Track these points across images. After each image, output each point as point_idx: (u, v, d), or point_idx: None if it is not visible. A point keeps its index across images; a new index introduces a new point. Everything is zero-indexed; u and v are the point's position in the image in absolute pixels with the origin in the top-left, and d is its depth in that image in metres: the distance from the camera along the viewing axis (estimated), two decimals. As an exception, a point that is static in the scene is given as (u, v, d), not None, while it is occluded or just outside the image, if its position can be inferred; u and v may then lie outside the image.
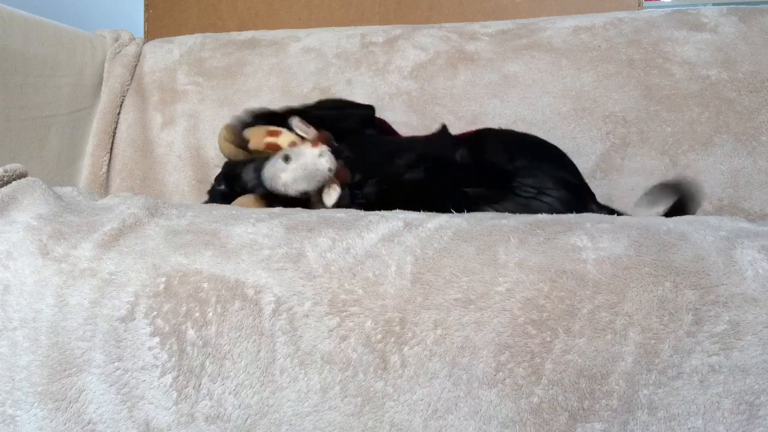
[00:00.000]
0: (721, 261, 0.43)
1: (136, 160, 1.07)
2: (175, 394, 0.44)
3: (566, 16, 1.05)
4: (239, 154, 0.79)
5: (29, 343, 0.46)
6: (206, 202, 0.85)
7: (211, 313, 0.45)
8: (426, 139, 0.83)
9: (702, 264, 0.42)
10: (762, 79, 0.91)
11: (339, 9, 1.41)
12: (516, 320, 0.42)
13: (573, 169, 0.79)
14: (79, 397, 0.45)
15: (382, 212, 0.53)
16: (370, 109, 0.83)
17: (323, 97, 1.04)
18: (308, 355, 0.43)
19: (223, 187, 0.79)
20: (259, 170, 0.72)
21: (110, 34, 1.14)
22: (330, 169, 0.67)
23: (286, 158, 0.67)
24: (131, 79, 1.11)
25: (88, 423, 0.45)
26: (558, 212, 0.56)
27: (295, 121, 0.73)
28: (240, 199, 0.76)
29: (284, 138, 0.74)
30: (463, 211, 0.55)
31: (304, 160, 0.67)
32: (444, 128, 0.84)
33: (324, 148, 0.69)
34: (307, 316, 0.44)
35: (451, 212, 0.54)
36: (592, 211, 0.71)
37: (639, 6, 1.29)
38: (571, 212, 0.55)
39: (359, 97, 1.03)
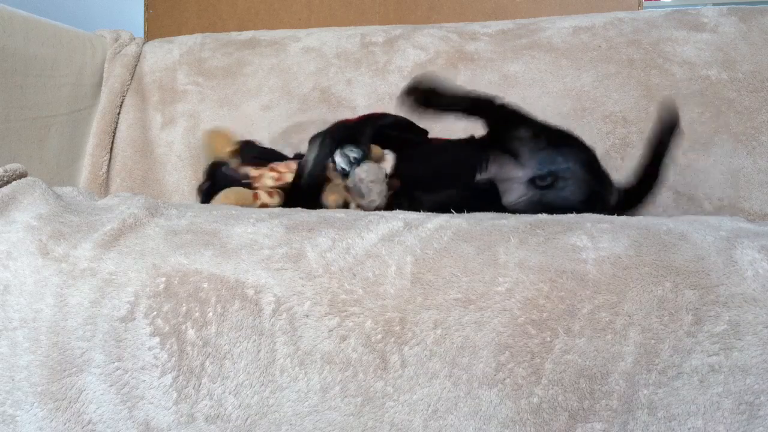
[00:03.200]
0: (721, 261, 0.43)
1: (136, 160, 1.07)
2: (175, 394, 0.44)
3: (566, 16, 1.05)
4: (225, 155, 0.86)
5: (29, 343, 0.46)
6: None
7: (211, 313, 0.45)
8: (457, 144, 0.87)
9: (702, 264, 0.42)
10: (762, 79, 0.91)
11: (339, 9, 1.41)
12: (516, 320, 0.42)
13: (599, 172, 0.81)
14: (79, 397, 0.45)
15: (382, 212, 0.53)
16: (425, 132, 0.89)
17: (323, 97, 1.04)
18: (308, 355, 0.43)
19: (208, 185, 0.85)
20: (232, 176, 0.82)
21: (110, 34, 1.14)
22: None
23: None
24: (131, 79, 1.11)
25: (88, 423, 0.45)
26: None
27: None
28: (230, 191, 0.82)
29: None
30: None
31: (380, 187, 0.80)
32: (472, 138, 0.86)
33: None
34: (307, 316, 0.44)
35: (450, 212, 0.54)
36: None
37: (639, 6, 1.29)
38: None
39: (359, 96, 1.03)
